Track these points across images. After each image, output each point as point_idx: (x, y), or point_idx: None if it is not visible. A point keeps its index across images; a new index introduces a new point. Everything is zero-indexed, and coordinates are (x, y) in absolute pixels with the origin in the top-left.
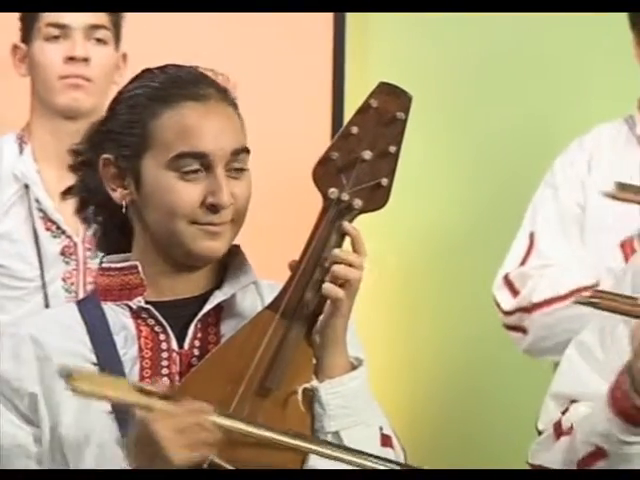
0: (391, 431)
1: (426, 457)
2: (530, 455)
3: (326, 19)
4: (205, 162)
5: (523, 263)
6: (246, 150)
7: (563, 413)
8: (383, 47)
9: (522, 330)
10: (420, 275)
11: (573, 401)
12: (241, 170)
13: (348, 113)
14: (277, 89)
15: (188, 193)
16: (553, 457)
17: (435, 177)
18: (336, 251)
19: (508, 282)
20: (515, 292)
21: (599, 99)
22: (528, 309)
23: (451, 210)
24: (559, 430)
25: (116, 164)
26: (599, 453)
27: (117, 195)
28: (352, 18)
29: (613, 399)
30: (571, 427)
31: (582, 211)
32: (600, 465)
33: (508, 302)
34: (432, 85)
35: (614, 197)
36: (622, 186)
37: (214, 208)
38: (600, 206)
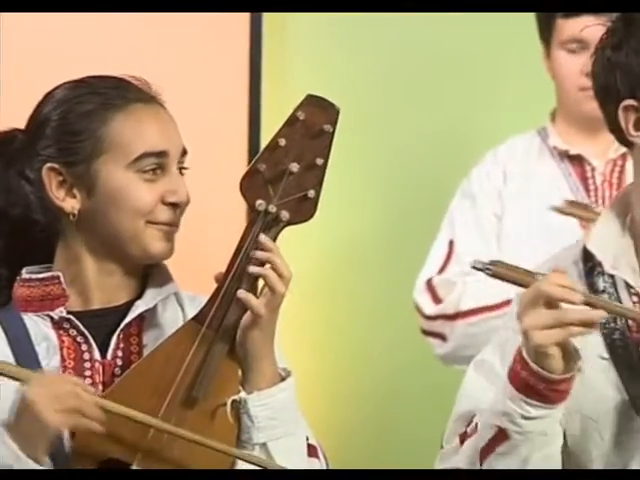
0: (316, 441)
1: (348, 462)
2: (437, 464)
3: (242, 19)
4: (164, 161)
5: (443, 269)
6: (187, 152)
7: (467, 426)
8: (301, 47)
9: (441, 337)
10: (339, 282)
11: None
12: (183, 171)
13: (266, 116)
14: (192, 92)
15: (150, 192)
16: (460, 458)
17: (351, 185)
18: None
19: (430, 287)
20: (437, 298)
21: (513, 110)
22: (452, 317)
23: (368, 218)
24: (463, 438)
25: (62, 172)
26: (500, 436)
27: (67, 205)
28: (269, 18)
29: (513, 373)
30: (475, 427)
31: (498, 221)
32: (502, 449)
33: (430, 307)
34: (347, 89)
35: (563, 212)
36: (570, 202)
37: (174, 206)
38: (515, 218)
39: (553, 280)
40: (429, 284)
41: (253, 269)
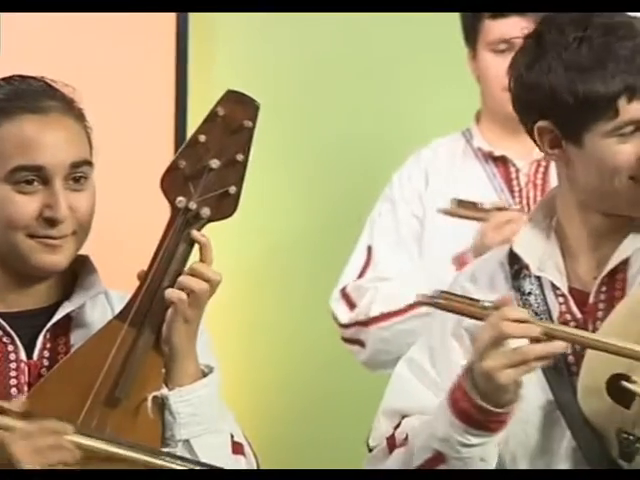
0: (243, 438)
1: (278, 461)
2: (366, 464)
3: (169, 19)
4: (42, 175)
5: (361, 276)
6: (88, 162)
7: (395, 428)
8: (227, 46)
9: (360, 343)
10: (264, 279)
11: (405, 416)
12: (83, 182)
13: (192, 115)
14: (119, 90)
15: (24, 206)
16: (390, 465)
17: (275, 182)
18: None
19: (345, 295)
20: (352, 305)
21: (437, 112)
22: (365, 323)
23: (293, 213)
24: (392, 443)
25: None
26: (438, 458)
27: None
28: (195, 18)
29: (453, 401)
30: (405, 438)
31: (420, 224)
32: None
33: (345, 315)
34: (273, 87)
35: (450, 213)
36: (458, 202)
37: (51, 221)
38: (437, 219)
39: (507, 315)
40: (343, 292)
41: (182, 279)
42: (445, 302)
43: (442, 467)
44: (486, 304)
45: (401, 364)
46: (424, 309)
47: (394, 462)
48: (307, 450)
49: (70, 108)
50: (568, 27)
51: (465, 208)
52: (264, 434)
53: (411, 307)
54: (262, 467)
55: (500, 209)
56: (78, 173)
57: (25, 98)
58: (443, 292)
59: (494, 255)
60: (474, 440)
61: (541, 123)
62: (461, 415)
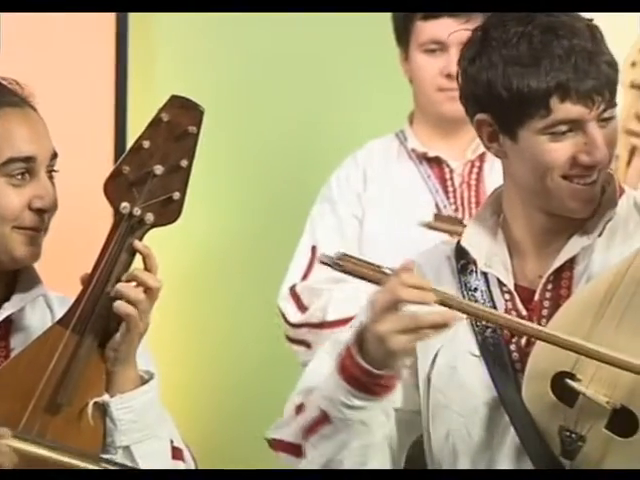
0: (182, 444)
1: (214, 459)
2: (269, 431)
3: (108, 19)
4: (32, 166)
5: (306, 276)
6: (57, 155)
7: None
8: (167, 47)
9: (306, 344)
10: (202, 282)
11: None
12: (53, 175)
13: (132, 116)
14: (58, 92)
15: (17, 198)
16: (289, 430)
17: (215, 187)
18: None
19: (294, 295)
20: (302, 306)
21: (371, 113)
22: (318, 326)
23: (232, 218)
24: (299, 410)
25: None
26: (323, 418)
27: None
28: (135, 18)
29: (340, 362)
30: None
31: (360, 225)
32: (324, 431)
33: (294, 315)
34: (213, 89)
35: (430, 227)
36: (438, 216)
37: (40, 212)
38: (375, 221)
39: (404, 280)
40: (293, 291)
41: (120, 285)
42: (346, 264)
43: (327, 428)
44: (386, 270)
45: (327, 345)
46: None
47: (293, 427)
48: (242, 450)
49: (31, 103)
50: (511, 23)
51: (446, 222)
52: (201, 436)
53: None
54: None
55: None
56: (53, 165)
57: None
58: (345, 255)
59: (440, 249)
60: (357, 402)
61: (480, 116)
62: (346, 376)
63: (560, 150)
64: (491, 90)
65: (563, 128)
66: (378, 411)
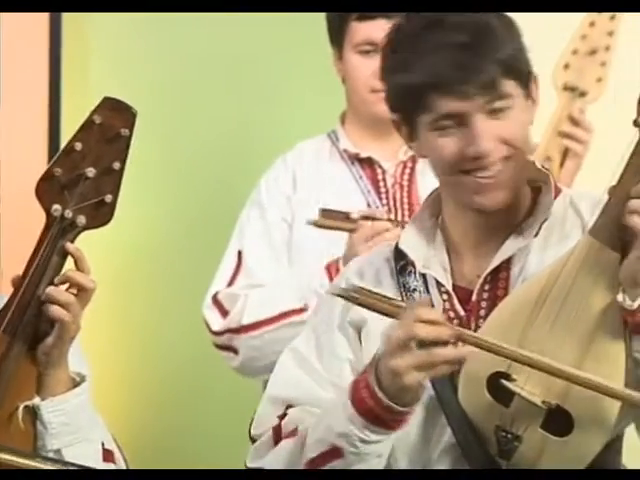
0: (114, 445)
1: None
2: (249, 459)
3: (41, 19)
4: None
5: (232, 282)
6: None
7: (281, 418)
8: (100, 47)
9: (233, 350)
10: (133, 283)
11: (290, 406)
12: None
13: (65, 118)
14: None
15: None
16: (274, 459)
17: (146, 188)
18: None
19: (217, 302)
20: (224, 312)
21: (302, 114)
22: (237, 330)
23: (163, 220)
24: (279, 433)
25: None
26: (334, 452)
27: None
28: (68, 18)
29: (357, 397)
30: (294, 430)
31: (289, 229)
32: (334, 464)
33: (217, 322)
34: (146, 90)
35: (317, 225)
36: (325, 212)
37: None
38: (304, 225)
39: (419, 316)
40: (215, 298)
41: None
42: (360, 297)
43: (338, 462)
44: (400, 303)
45: (286, 353)
46: (296, 317)
47: (281, 453)
48: (174, 447)
49: None
50: (407, 25)
51: (332, 218)
52: (133, 434)
53: (282, 316)
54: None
55: (367, 218)
56: None
57: None
58: (359, 287)
59: (381, 251)
60: (373, 437)
61: (392, 116)
62: (364, 412)
63: (448, 145)
64: (390, 90)
65: (448, 122)
66: (390, 441)
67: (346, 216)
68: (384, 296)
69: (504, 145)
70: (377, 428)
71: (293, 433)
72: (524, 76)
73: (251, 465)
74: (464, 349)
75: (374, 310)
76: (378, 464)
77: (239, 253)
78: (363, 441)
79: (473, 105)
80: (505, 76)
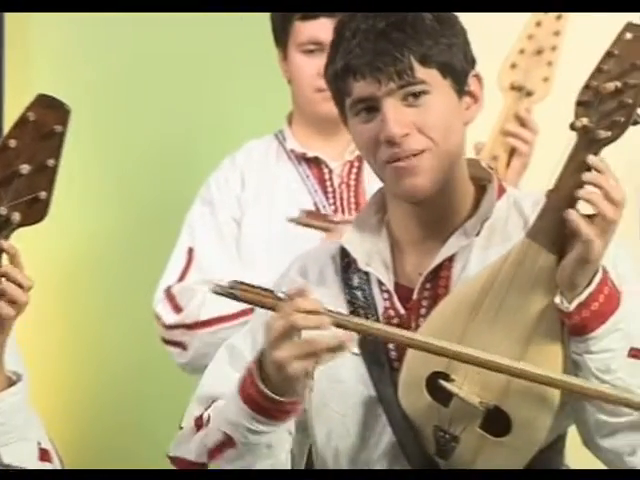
0: (50, 444)
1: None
2: (170, 448)
3: None
4: None
5: (182, 277)
6: None
7: (206, 410)
8: (42, 47)
9: (181, 346)
10: (76, 282)
11: (217, 400)
12: None
13: (7, 117)
14: None
15: None
16: (189, 448)
17: (88, 186)
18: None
19: (170, 296)
20: (177, 307)
21: (250, 114)
22: (192, 326)
23: (105, 219)
24: (199, 423)
25: None
26: (228, 442)
27: None
28: (10, 18)
29: (243, 387)
30: (209, 419)
31: (238, 227)
32: (228, 455)
33: (170, 317)
34: (88, 88)
35: (299, 222)
36: (307, 212)
37: None
38: (254, 223)
39: (298, 306)
40: (168, 293)
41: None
42: (240, 293)
43: (231, 452)
44: (280, 295)
45: (222, 350)
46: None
47: (195, 442)
48: (116, 448)
49: None
50: (342, 18)
51: (315, 218)
52: (75, 434)
53: (241, 313)
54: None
55: (347, 222)
56: None
57: None
58: (238, 282)
59: (327, 249)
60: (261, 427)
61: (338, 111)
62: (249, 402)
63: (367, 131)
64: (327, 84)
65: (362, 106)
66: (282, 431)
67: (328, 218)
68: (263, 289)
69: (419, 134)
70: (262, 418)
71: (207, 423)
72: (454, 70)
73: (171, 454)
74: (345, 335)
75: (254, 304)
76: (270, 456)
77: (190, 250)
78: (250, 431)
79: (385, 90)
80: (422, 65)
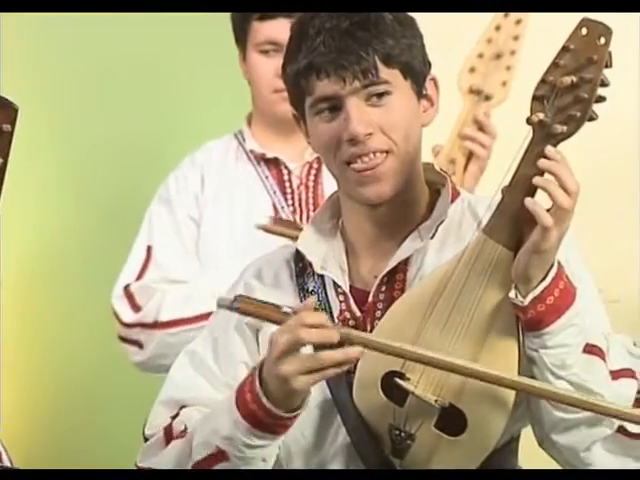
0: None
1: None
2: (139, 458)
3: None
4: None
5: (141, 276)
6: None
7: (173, 418)
8: (7, 46)
9: (138, 344)
10: (36, 281)
11: (183, 406)
12: None
13: None
14: None
15: None
16: (163, 459)
17: (46, 186)
18: None
19: (128, 294)
20: (136, 305)
21: (211, 114)
22: (151, 325)
23: (64, 218)
24: (170, 433)
25: None
26: (219, 455)
27: None
28: None
29: (241, 401)
30: (184, 430)
31: (197, 226)
32: (220, 467)
33: (128, 315)
34: (45, 87)
35: (267, 230)
36: (275, 219)
37: None
38: (212, 223)
39: (305, 320)
40: (127, 291)
41: None
42: (245, 307)
43: (223, 465)
44: (286, 309)
45: (183, 355)
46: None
47: (171, 453)
48: (75, 449)
49: None
50: (301, 17)
51: (283, 225)
52: (35, 433)
53: (203, 316)
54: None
55: None
56: None
57: None
58: (243, 297)
59: (281, 253)
60: (258, 442)
61: (293, 111)
62: (248, 416)
63: (328, 130)
64: (285, 83)
65: (324, 105)
66: (275, 446)
67: (295, 225)
68: (268, 303)
69: (382, 135)
70: (261, 433)
71: (183, 433)
72: (414, 72)
73: (141, 465)
74: (351, 350)
75: (260, 318)
76: (264, 467)
77: (148, 248)
78: (247, 446)
79: (349, 88)
80: (386, 64)
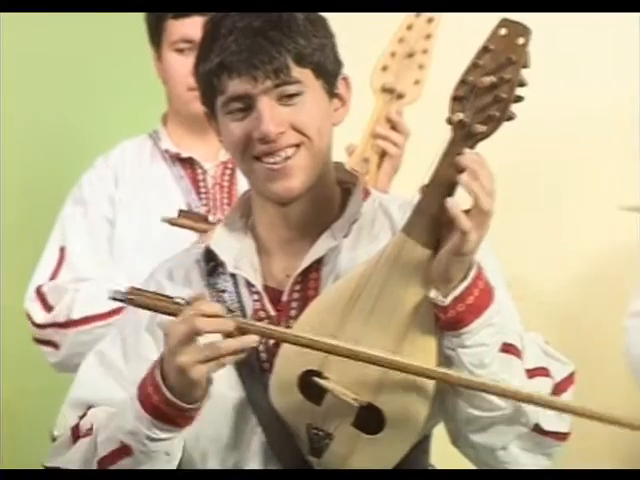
0: None
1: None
2: (47, 458)
3: None
4: None
5: (54, 276)
6: None
7: (81, 418)
8: None
9: (53, 345)
10: None
11: (91, 407)
12: None
13: None
14: None
15: None
16: (71, 458)
17: None
18: None
19: (40, 295)
20: (48, 306)
21: (126, 113)
22: (64, 325)
23: None
24: (77, 432)
25: None
26: (123, 450)
27: None
28: None
29: (144, 394)
30: (90, 428)
31: (111, 227)
32: (124, 463)
33: (41, 316)
34: None
35: (173, 223)
36: (182, 212)
37: None
38: (126, 223)
39: (200, 310)
40: (39, 292)
41: None
42: (137, 298)
43: (127, 460)
44: (179, 300)
45: (91, 356)
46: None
47: (77, 452)
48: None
49: None
50: (213, 16)
51: (190, 219)
52: None
53: (113, 312)
54: None
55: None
56: None
57: None
58: (135, 289)
59: (191, 252)
60: (161, 434)
61: (204, 109)
62: (150, 409)
63: (238, 129)
64: (196, 82)
65: (237, 105)
66: (179, 438)
67: (202, 218)
68: (161, 295)
69: (293, 131)
70: (164, 425)
71: (89, 432)
72: (326, 71)
73: (48, 465)
74: (247, 337)
75: (153, 310)
76: (168, 463)
77: (62, 249)
78: (150, 439)
79: (261, 88)
80: (297, 64)
